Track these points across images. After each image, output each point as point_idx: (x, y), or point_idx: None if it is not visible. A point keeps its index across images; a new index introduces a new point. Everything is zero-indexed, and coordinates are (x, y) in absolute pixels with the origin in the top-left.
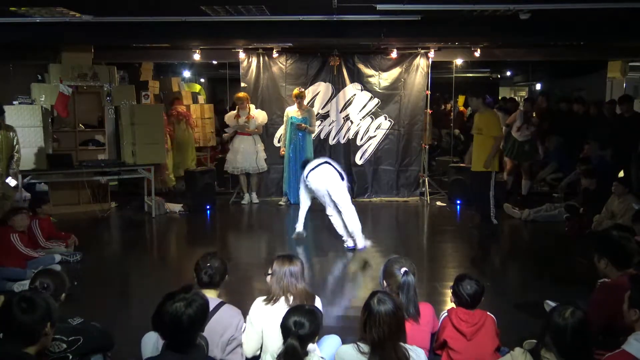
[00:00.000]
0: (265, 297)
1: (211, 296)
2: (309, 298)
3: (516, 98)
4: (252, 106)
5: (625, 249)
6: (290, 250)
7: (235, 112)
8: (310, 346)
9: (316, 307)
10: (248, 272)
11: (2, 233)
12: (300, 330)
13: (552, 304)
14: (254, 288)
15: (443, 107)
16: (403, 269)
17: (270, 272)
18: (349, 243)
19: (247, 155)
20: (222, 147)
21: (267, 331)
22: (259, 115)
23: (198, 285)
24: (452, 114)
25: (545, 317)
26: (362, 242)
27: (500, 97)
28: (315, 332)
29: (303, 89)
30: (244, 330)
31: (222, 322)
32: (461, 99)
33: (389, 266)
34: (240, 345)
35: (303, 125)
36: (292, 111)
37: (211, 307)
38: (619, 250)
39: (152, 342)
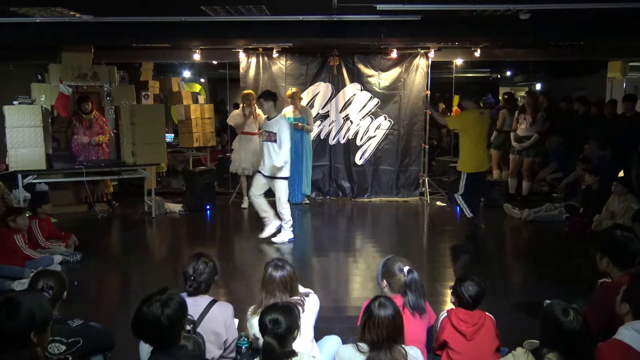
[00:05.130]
0: (253, 306)
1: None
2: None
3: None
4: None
5: (629, 249)
6: (291, 250)
7: (239, 110)
8: (306, 346)
9: (292, 303)
10: (248, 273)
11: (5, 233)
12: (276, 328)
13: None
14: (254, 289)
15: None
16: (406, 268)
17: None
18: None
19: (256, 155)
20: (222, 147)
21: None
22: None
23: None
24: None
25: (542, 315)
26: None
27: (500, 95)
28: (293, 328)
29: (297, 89)
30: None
31: (213, 320)
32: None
33: (389, 266)
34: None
35: (300, 124)
36: (288, 112)
37: (203, 306)
38: (622, 250)
39: (146, 347)
